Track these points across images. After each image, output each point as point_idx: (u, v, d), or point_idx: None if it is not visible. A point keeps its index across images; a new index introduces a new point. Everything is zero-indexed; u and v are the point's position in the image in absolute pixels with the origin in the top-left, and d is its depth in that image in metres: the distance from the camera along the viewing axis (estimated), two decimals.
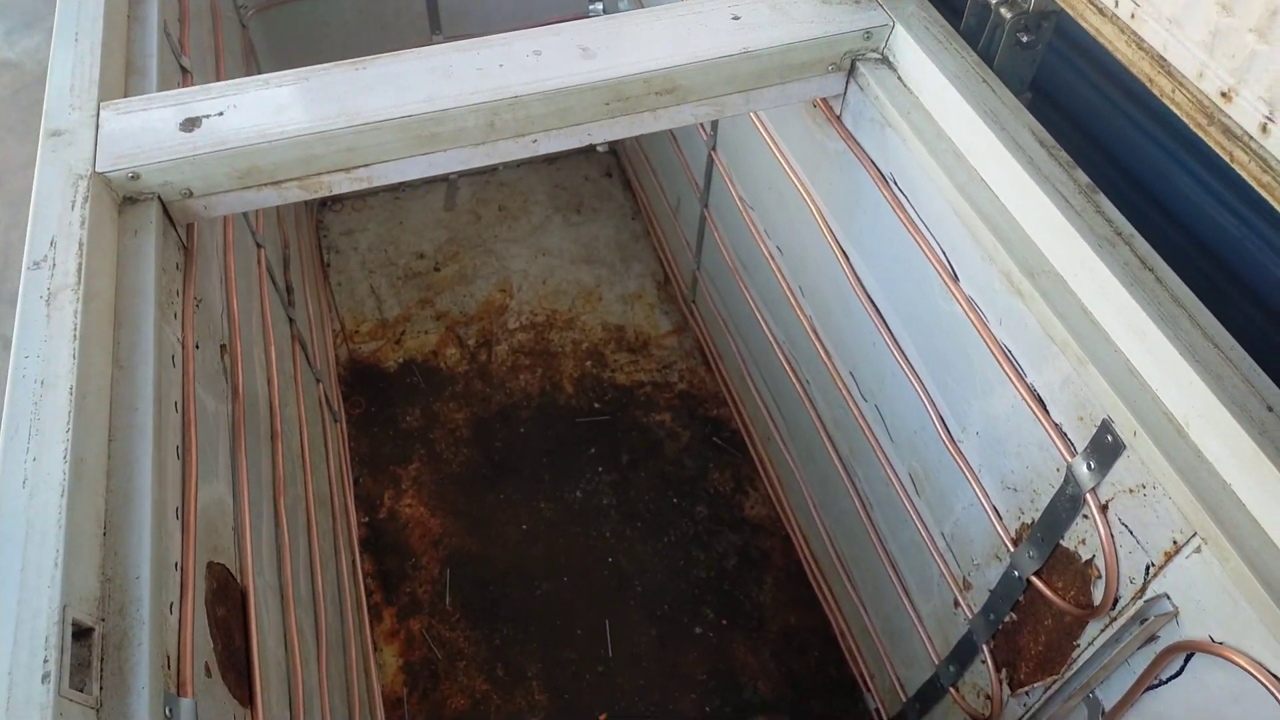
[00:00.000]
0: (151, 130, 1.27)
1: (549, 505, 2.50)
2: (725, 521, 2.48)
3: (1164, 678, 1.15)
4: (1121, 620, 1.19)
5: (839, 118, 1.61)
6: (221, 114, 1.30)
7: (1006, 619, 1.46)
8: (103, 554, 0.93)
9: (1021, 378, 1.28)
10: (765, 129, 1.92)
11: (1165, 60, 1.04)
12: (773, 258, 2.07)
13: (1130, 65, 1.14)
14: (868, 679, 2.14)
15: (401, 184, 3.25)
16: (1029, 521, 1.35)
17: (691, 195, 2.56)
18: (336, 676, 1.78)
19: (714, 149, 2.30)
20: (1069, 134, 1.42)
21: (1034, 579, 1.34)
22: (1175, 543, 1.08)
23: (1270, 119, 0.93)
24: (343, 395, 2.68)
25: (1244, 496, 1.01)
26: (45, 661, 0.82)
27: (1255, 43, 0.92)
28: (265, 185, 1.32)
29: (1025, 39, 1.40)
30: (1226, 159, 1.02)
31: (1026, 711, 1.47)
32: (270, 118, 1.30)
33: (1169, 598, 1.10)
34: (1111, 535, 1.17)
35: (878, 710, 2.10)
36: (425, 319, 2.90)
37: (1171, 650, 1.10)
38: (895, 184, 1.50)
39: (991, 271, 1.29)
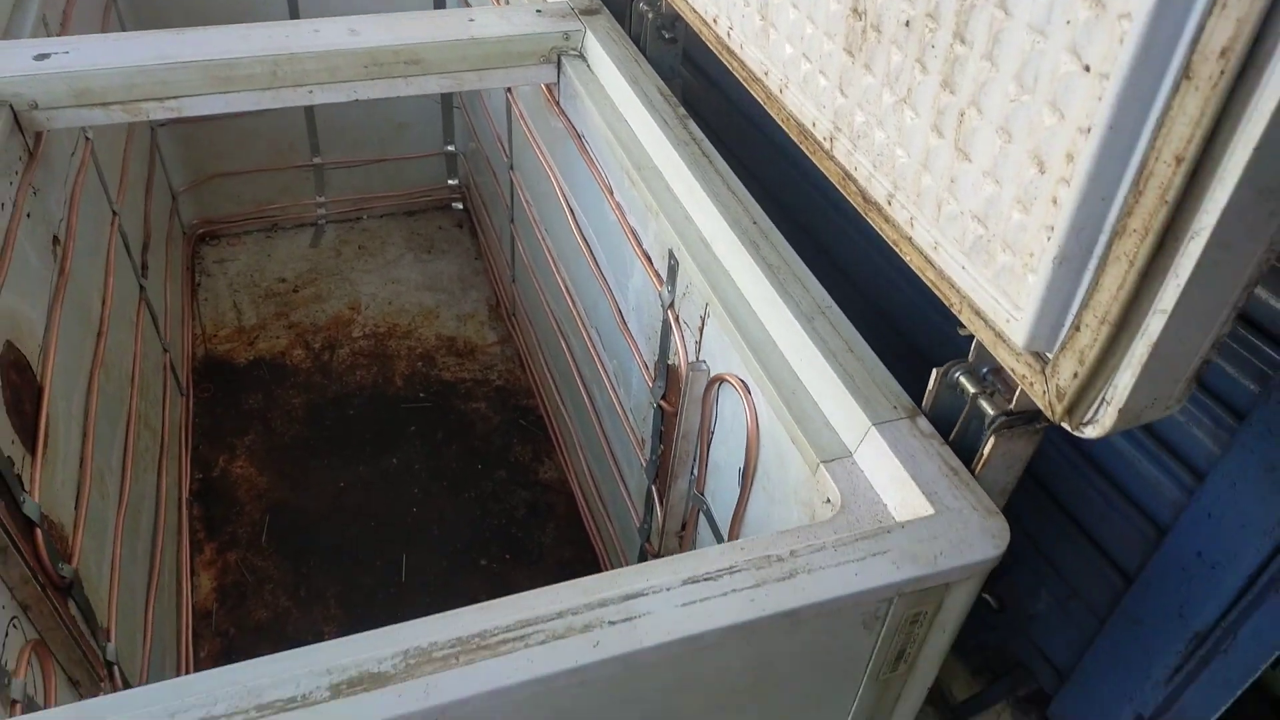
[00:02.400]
0: (11, 60, 1.74)
1: (366, 469, 2.86)
2: (521, 483, 2.86)
3: (714, 430, 1.58)
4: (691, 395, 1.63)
5: (558, 102, 2.15)
6: (68, 53, 1.78)
7: (659, 453, 1.88)
8: None
9: (639, 244, 1.76)
10: (530, 131, 2.46)
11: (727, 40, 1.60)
12: (544, 240, 2.57)
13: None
14: None
15: (274, 224, 3.74)
16: (656, 361, 1.80)
17: (505, 219, 3.09)
18: (140, 549, 2.09)
19: (511, 169, 2.83)
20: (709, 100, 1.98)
21: (661, 403, 1.78)
22: (701, 318, 1.54)
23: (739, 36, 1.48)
24: (194, 382, 3.05)
25: (733, 274, 1.48)
26: None
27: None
28: (95, 105, 1.79)
29: (667, 35, 1.97)
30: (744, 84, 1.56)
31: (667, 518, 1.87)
32: (103, 57, 1.78)
33: (705, 362, 1.55)
34: (681, 334, 1.63)
35: None
36: (279, 328, 3.32)
37: (708, 388, 1.54)
38: (584, 139, 2.03)
39: (622, 174, 1.80)
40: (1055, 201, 0.86)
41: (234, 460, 2.85)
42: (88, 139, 2.22)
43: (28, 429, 1.54)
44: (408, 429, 2.99)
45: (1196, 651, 1.69)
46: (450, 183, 3.92)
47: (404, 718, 0.87)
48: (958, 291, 1.06)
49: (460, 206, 3.96)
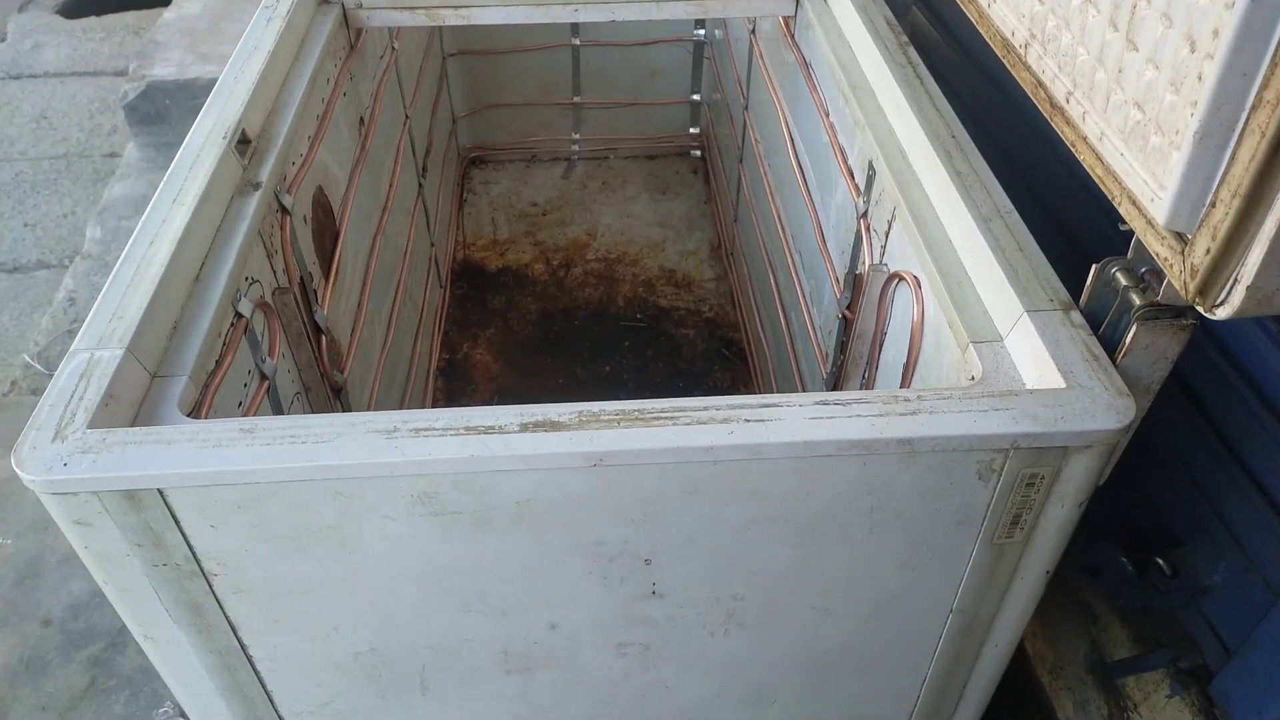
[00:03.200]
0: None
1: (583, 371, 3.17)
2: None
3: (886, 329, 1.69)
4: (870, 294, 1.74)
5: (793, 34, 2.31)
6: None
7: (839, 363, 2.01)
8: (265, 118, 1.72)
9: (845, 160, 1.89)
10: (766, 68, 2.63)
11: None
12: (765, 173, 2.74)
13: None
14: None
15: (534, 155, 4.15)
16: (846, 273, 1.92)
17: (734, 160, 3.28)
18: (394, 395, 2.50)
19: (746, 109, 3.02)
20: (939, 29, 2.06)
21: (846, 312, 1.91)
22: (888, 222, 1.65)
23: None
24: (452, 279, 3.50)
25: (924, 180, 1.58)
26: (226, 135, 1.59)
27: None
28: (405, 9, 2.17)
29: None
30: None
31: None
32: None
33: (886, 264, 1.67)
34: (870, 241, 1.75)
35: None
36: (526, 244, 3.71)
37: (886, 285, 1.65)
38: (810, 67, 2.17)
39: (838, 95, 1.93)
40: (1200, 78, 0.93)
41: (475, 347, 3.26)
42: (394, 49, 2.64)
43: (325, 257, 1.92)
44: (622, 344, 3.28)
45: None
46: (692, 131, 4.16)
47: (571, 454, 1.09)
48: (1118, 182, 1.13)
49: (698, 154, 4.20)
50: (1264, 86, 0.88)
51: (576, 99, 4.02)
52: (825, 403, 1.14)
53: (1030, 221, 1.44)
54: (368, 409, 2.18)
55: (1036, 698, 2.26)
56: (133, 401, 1.19)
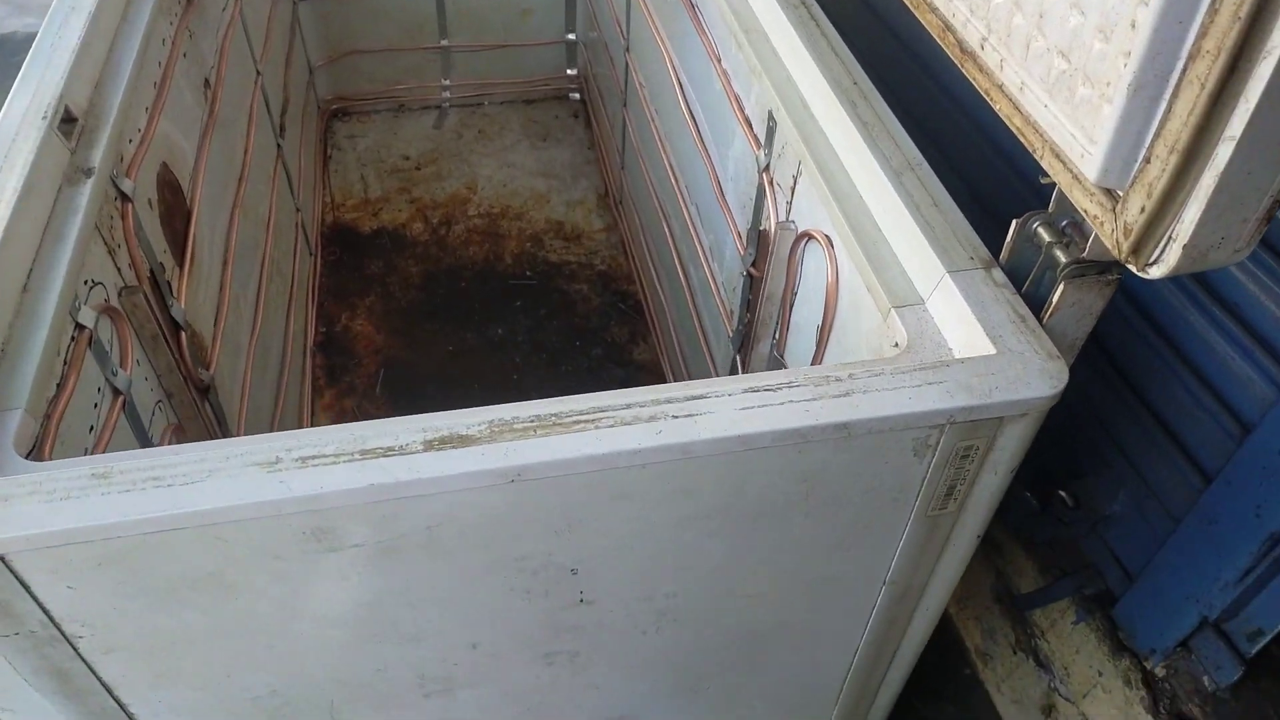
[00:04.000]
0: None
1: (473, 336, 3.03)
2: (615, 361, 2.98)
3: (797, 290, 1.63)
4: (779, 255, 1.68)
5: None
6: None
7: (745, 322, 1.94)
8: (92, 91, 1.49)
9: (741, 109, 1.80)
10: (647, 8, 2.49)
11: None
12: (654, 120, 2.62)
13: None
14: None
15: (401, 105, 3.89)
16: (749, 229, 1.85)
17: (618, 104, 3.14)
18: (269, 380, 2.30)
19: (628, 51, 2.87)
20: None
21: (750, 270, 1.84)
22: (793, 177, 1.58)
23: None
24: (322, 245, 3.26)
25: (828, 131, 1.51)
26: (45, 114, 1.37)
27: None
28: None
29: None
30: None
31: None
32: None
33: (794, 221, 1.60)
34: (774, 196, 1.67)
35: None
36: (401, 202, 3.49)
37: (795, 244, 1.58)
38: (696, 7, 2.05)
39: (730, 40, 1.82)
40: (1134, 25, 0.87)
41: (355, 318, 3.06)
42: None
43: (178, 243, 1.72)
44: (513, 304, 3.14)
45: (1270, 553, 1.68)
46: (569, 72, 3.98)
47: (485, 472, 0.98)
48: (1040, 135, 1.08)
49: (577, 96, 4.02)
50: (1202, 35, 0.82)
51: (444, 42, 3.77)
52: (755, 389, 1.06)
53: (937, 175, 1.39)
54: (240, 403, 2.00)
55: (944, 628, 2.31)
56: None
